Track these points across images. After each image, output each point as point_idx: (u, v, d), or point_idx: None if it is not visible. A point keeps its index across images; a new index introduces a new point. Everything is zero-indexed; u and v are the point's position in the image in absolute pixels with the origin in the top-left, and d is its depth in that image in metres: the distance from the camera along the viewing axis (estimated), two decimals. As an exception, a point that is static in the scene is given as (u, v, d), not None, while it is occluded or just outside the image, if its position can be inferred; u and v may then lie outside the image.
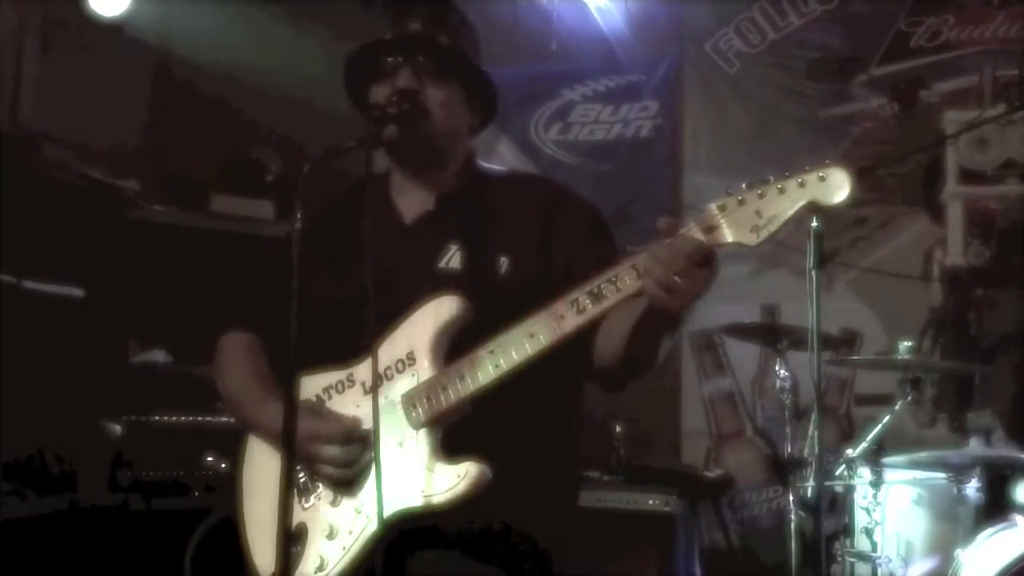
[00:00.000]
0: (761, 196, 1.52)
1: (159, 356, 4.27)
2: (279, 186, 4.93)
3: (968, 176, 5.30)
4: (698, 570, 4.28)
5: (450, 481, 1.70)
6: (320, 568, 1.80)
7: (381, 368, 1.78)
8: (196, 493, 3.72)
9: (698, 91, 5.72)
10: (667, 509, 3.96)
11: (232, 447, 3.64)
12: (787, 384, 4.10)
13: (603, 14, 5.55)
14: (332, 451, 1.79)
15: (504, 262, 1.87)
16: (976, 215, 5.31)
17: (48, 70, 4.60)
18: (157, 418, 3.84)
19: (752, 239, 1.53)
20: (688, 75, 5.73)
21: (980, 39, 5.32)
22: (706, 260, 1.57)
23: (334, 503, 1.82)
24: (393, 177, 2.05)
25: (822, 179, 1.51)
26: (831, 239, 4.26)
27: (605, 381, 1.90)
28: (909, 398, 3.82)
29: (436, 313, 1.79)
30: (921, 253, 5.29)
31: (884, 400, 4.20)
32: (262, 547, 1.88)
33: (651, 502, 3.99)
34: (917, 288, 5.22)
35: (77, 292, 3.92)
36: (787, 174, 1.53)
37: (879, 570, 3.57)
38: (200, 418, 3.81)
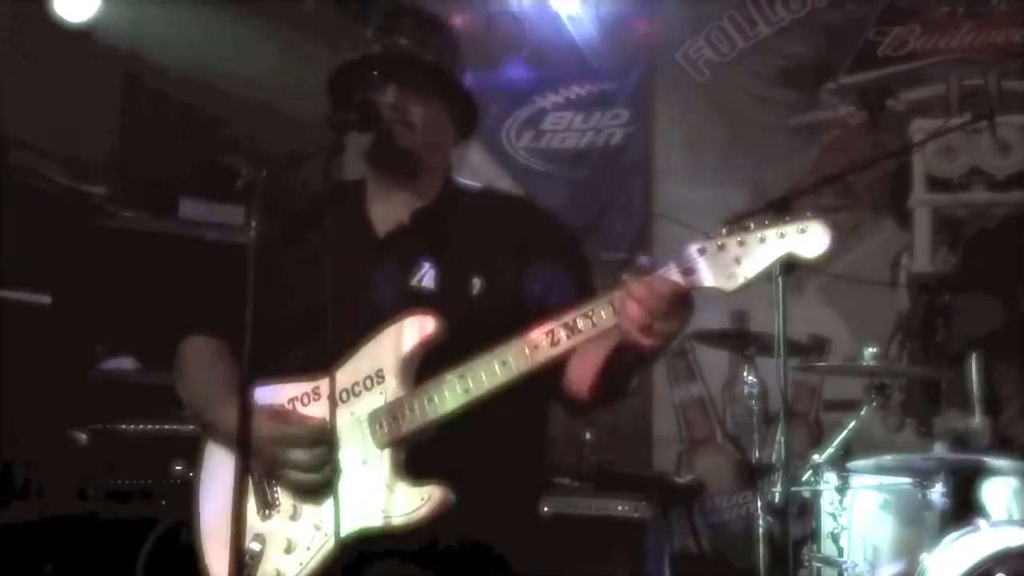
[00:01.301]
0: (741, 244, 1.55)
1: (127, 363, 4.24)
2: (250, 191, 4.91)
3: (935, 183, 5.37)
4: (668, 574, 4.30)
5: (412, 504, 1.71)
6: None
7: (349, 384, 1.79)
8: (164, 502, 3.69)
9: (669, 99, 5.75)
10: (637, 515, 3.97)
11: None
12: (755, 390, 4.13)
13: (574, 22, 5.58)
14: (298, 455, 1.78)
15: (477, 283, 1.87)
16: (943, 222, 5.38)
17: (15, 74, 4.57)
18: (125, 426, 3.81)
19: (729, 285, 1.56)
20: (659, 83, 5.76)
21: (947, 48, 5.39)
22: (682, 301, 1.60)
23: (293, 517, 1.82)
24: (370, 186, 2.03)
25: (802, 232, 1.53)
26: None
27: (571, 408, 1.91)
28: (875, 404, 3.86)
29: (407, 332, 1.78)
30: (888, 259, 5.35)
31: (852, 406, 4.24)
32: (215, 554, 1.87)
33: (621, 508, 4.01)
34: (885, 294, 5.28)
35: (44, 299, 3.88)
36: (768, 223, 1.56)
37: (845, 575, 3.59)
38: (169, 426, 3.78)
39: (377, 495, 1.72)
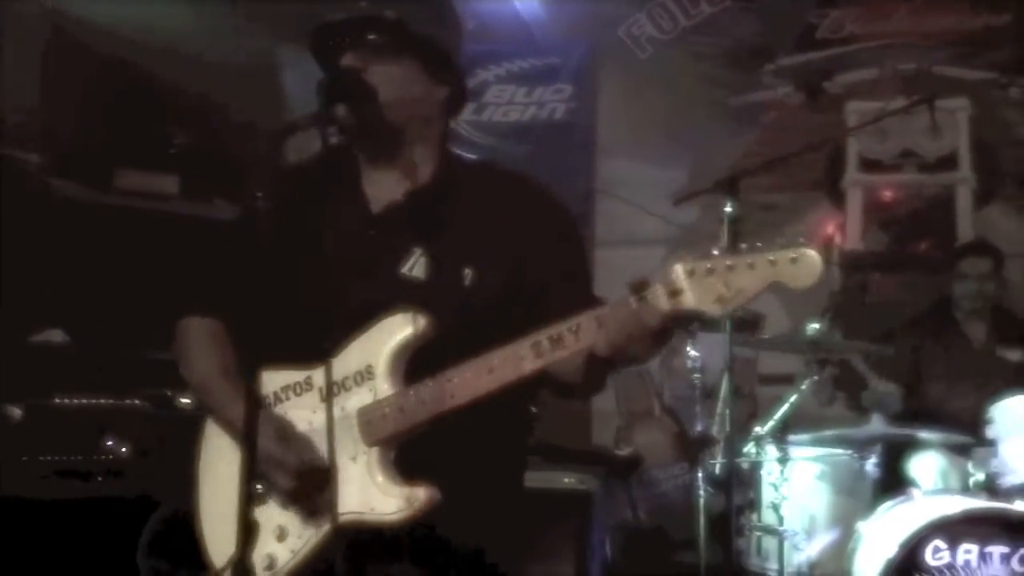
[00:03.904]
0: (730, 268, 1.51)
1: (56, 336, 4.12)
2: (184, 158, 4.79)
3: (868, 164, 5.52)
4: (607, 547, 4.36)
5: (399, 504, 1.71)
6: (269, 568, 1.80)
7: (339, 378, 1.77)
8: (100, 479, 3.60)
9: (612, 75, 5.79)
10: (584, 487, 4.01)
11: (134, 431, 3.57)
12: (697, 364, 4.21)
13: (519, -5, 5.57)
14: (288, 483, 1.78)
15: (469, 274, 1.83)
16: (875, 202, 5.54)
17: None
18: (57, 400, 3.70)
19: (716, 309, 1.52)
20: (602, 59, 5.79)
21: (883, 32, 5.53)
22: (661, 328, 1.59)
23: (285, 506, 1.82)
24: (361, 159, 1.96)
25: (794, 261, 1.50)
26: (742, 223, 4.38)
27: (561, 392, 1.91)
28: (816, 378, 3.96)
29: (397, 329, 1.75)
30: (822, 238, 5.49)
31: (787, 380, 4.36)
32: (216, 538, 1.86)
33: (567, 480, 4.05)
34: (817, 271, 5.40)
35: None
36: (760, 247, 1.52)
37: (784, 543, 3.70)
38: (101, 401, 3.69)
39: (364, 492, 1.72)
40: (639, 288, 1.56)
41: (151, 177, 4.73)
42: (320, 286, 1.78)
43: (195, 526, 1.91)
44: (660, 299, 1.54)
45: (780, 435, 3.86)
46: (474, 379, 1.68)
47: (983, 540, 3.18)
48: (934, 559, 3.19)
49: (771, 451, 3.84)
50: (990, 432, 3.55)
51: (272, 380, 1.84)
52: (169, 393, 3.64)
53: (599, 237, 5.61)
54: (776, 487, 3.74)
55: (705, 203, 4.21)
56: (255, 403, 1.58)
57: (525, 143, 5.77)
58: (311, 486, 1.77)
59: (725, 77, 5.65)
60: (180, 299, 2.02)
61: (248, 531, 1.53)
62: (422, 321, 1.74)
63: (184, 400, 3.65)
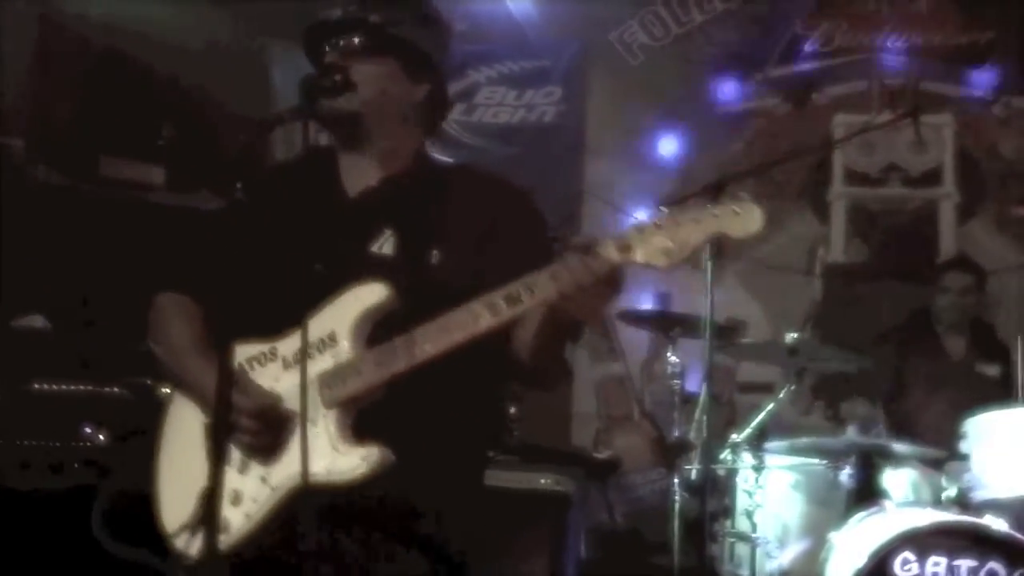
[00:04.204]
0: (677, 223, 1.60)
1: (37, 322, 4.11)
2: (172, 150, 4.79)
3: (853, 177, 5.56)
4: (583, 549, 4.38)
5: (353, 463, 1.76)
6: (223, 531, 1.80)
7: (303, 345, 1.81)
8: (76, 465, 3.59)
9: (602, 80, 5.81)
10: (561, 489, 4.03)
11: (113, 418, 3.56)
12: (677, 370, 4.23)
13: (513, -2, 5.58)
14: (243, 421, 1.82)
15: (436, 255, 1.90)
16: (859, 215, 5.59)
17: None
18: (37, 386, 3.69)
19: (663, 262, 1.60)
20: (593, 64, 5.82)
21: (871, 46, 5.57)
22: (614, 278, 1.65)
23: (242, 471, 1.85)
24: (339, 153, 2.04)
25: (735, 213, 1.59)
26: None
27: (522, 377, 1.99)
28: (793, 386, 3.99)
29: (361, 298, 1.82)
30: (805, 249, 5.53)
31: (766, 388, 4.39)
32: (171, 505, 1.91)
33: (544, 482, 4.06)
34: (800, 282, 5.46)
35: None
36: (704, 205, 1.62)
37: (757, 550, 3.73)
38: (81, 387, 3.67)
39: (322, 454, 1.77)
40: (589, 246, 1.64)
41: (137, 166, 4.73)
42: (292, 265, 1.83)
43: (152, 495, 1.96)
44: (610, 252, 1.62)
45: (756, 443, 3.89)
46: (431, 338, 1.74)
47: (952, 553, 3.21)
48: (903, 571, 3.21)
49: (747, 458, 3.87)
50: (964, 446, 3.58)
51: (239, 352, 1.87)
52: (149, 382, 3.64)
53: (585, 240, 5.63)
54: (750, 494, 3.77)
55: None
56: (228, 370, 1.63)
57: (514, 145, 5.79)
58: (269, 429, 1.82)
59: (714, 85, 5.68)
60: (155, 276, 2.09)
61: (219, 488, 1.56)
62: (384, 291, 1.80)
63: (165, 389, 3.64)
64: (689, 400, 4.29)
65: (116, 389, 3.68)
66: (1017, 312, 5.10)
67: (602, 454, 5.07)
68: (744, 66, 5.66)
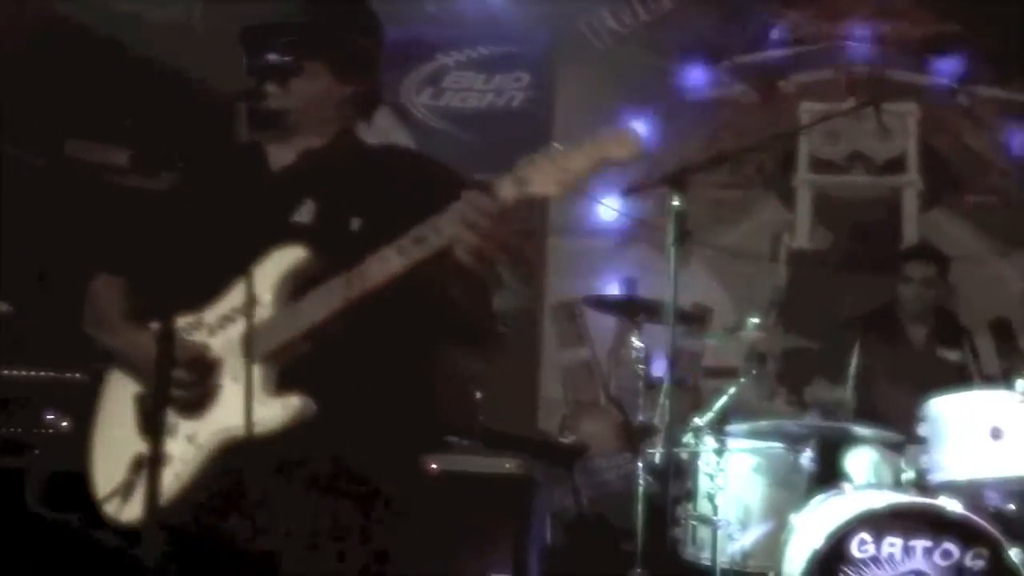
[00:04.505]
0: (565, 155, 1.74)
1: (1, 307, 4.07)
2: (138, 131, 4.73)
3: (818, 165, 5.61)
4: (548, 534, 4.40)
5: (274, 412, 1.85)
6: None
7: (226, 310, 1.95)
8: (37, 452, 3.56)
9: (571, 66, 5.81)
10: (525, 473, 4.05)
11: (76, 404, 3.53)
12: (642, 355, 4.25)
13: (482, -19, 5.57)
14: (181, 374, 1.91)
15: (356, 222, 1.99)
16: (823, 202, 5.63)
17: None
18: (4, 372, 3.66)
19: (556, 190, 1.73)
20: (562, 50, 5.81)
21: (837, 34, 5.61)
22: (515, 211, 1.77)
23: (169, 432, 1.92)
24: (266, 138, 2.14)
25: (616, 139, 1.74)
26: (694, 218, 4.44)
27: (458, 339, 2.10)
28: (754, 371, 4.03)
29: (280, 261, 1.92)
30: (771, 235, 5.57)
31: (731, 373, 4.41)
32: (104, 474, 2.01)
33: (509, 466, 4.08)
34: (766, 268, 5.50)
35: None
36: (588, 138, 1.75)
37: (718, 533, 3.76)
38: (43, 373, 3.64)
39: (245, 408, 1.86)
40: (491, 184, 1.77)
41: (102, 148, 4.68)
42: (220, 239, 1.95)
43: (87, 466, 2.05)
44: (508, 187, 1.75)
45: (718, 426, 3.93)
46: (344, 285, 1.84)
47: (907, 534, 3.26)
48: (859, 551, 3.26)
49: (709, 442, 3.90)
50: (922, 430, 3.63)
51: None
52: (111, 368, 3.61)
53: (553, 226, 5.65)
54: (712, 477, 3.80)
55: (659, 196, 4.25)
56: (169, 338, 1.71)
57: (482, 130, 5.78)
58: (201, 379, 1.92)
59: (682, 73, 5.69)
60: (91, 259, 2.19)
61: (159, 454, 1.65)
62: (302, 253, 1.91)
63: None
64: (654, 385, 4.32)
65: (78, 375, 3.67)
66: (978, 299, 5.17)
67: (568, 439, 5.10)
68: (712, 53, 5.68)
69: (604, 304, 4.65)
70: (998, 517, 3.52)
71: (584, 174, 1.73)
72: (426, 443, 2.20)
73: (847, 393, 4.33)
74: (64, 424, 3.57)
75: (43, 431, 3.55)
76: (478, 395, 4.47)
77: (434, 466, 3.92)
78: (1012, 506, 3.60)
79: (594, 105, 5.70)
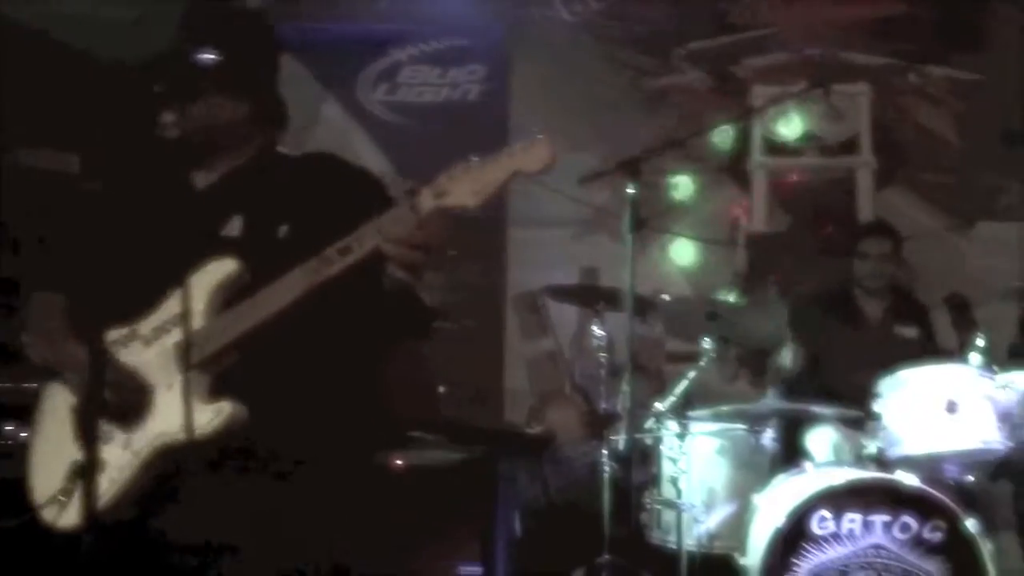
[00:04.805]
0: (480, 166, 1.83)
1: (-43, 317, 4.01)
2: (86, 137, 4.68)
3: (772, 148, 5.65)
4: (517, 524, 4.41)
5: (207, 417, 1.92)
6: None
7: (159, 323, 2.03)
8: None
9: (526, 58, 5.81)
10: (491, 465, 4.05)
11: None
12: (603, 343, 4.27)
13: (434, -26, 5.55)
14: (112, 383, 1.96)
15: (284, 229, 2.05)
16: (778, 185, 5.68)
17: None
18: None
19: (472, 201, 1.81)
20: (516, 41, 5.80)
21: (790, 18, 5.65)
22: (433, 220, 1.85)
23: (105, 439, 1.98)
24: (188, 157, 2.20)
25: (526, 149, 1.82)
26: (650, 205, 4.47)
27: (393, 333, 2.14)
28: (713, 355, 4.06)
29: (211, 274, 1.99)
30: (728, 220, 5.61)
31: (694, 358, 4.44)
32: (43, 482, 2.07)
33: (473, 458, 4.08)
34: (724, 253, 5.54)
35: None
36: (503, 149, 1.84)
37: (683, 516, 3.79)
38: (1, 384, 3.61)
39: (179, 413, 1.92)
40: (411, 194, 1.85)
41: (52, 154, 4.62)
42: (152, 255, 2.02)
43: (26, 475, 2.12)
44: (427, 199, 1.84)
45: (680, 411, 3.95)
46: (273, 295, 1.91)
47: (866, 509, 3.30)
48: (820, 528, 3.30)
49: (671, 426, 3.92)
50: (879, 406, 3.67)
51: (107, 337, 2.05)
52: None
53: (512, 217, 5.66)
54: (675, 461, 3.83)
55: (616, 185, 4.27)
56: (101, 351, 1.81)
57: (438, 124, 5.76)
58: (132, 386, 1.99)
59: (637, 61, 5.71)
60: (28, 276, 2.25)
61: (95, 461, 1.73)
62: (232, 265, 1.98)
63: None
64: (617, 372, 4.35)
65: (36, 385, 3.63)
66: (935, 276, 5.23)
67: (535, 429, 5.11)
68: (665, 41, 5.70)
69: (564, 293, 4.67)
70: (957, 489, 3.58)
71: (499, 184, 1.81)
72: (387, 440, 2.24)
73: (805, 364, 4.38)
74: (23, 435, 3.53)
75: (5, 443, 3.52)
76: (441, 389, 4.48)
77: (399, 462, 3.92)
78: (971, 478, 3.66)
79: (550, 96, 5.71)
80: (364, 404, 2.15)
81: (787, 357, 4.41)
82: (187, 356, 1.94)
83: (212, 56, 2.07)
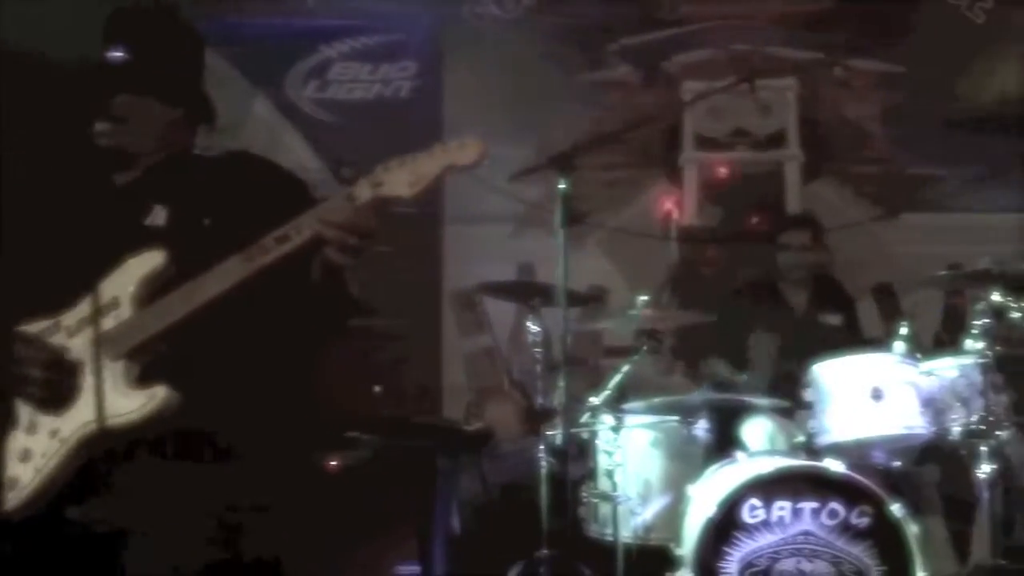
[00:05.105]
0: (415, 159, 1.90)
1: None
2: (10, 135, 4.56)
3: (703, 142, 5.72)
4: (456, 521, 4.42)
5: (140, 402, 1.95)
6: (12, 488, 1.99)
7: (85, 313, 2.03)
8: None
9: (457, 53, 5.80)
10: (428, 462, 4.05)
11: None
12: (539, 338, 4.28)
13: (362, -30, 5.51)
14: (40, 374, 2.00)
15: (207, 221, 2.08)
16: (710, 178, 5.75)
17: None
18: None
19: (407, 191, 1.89)
20: (447, 37, 5.79)
21: (718, 14, 5.72)
22: (369, 210, 1.91)
23: (30, 430, 2.02)
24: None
25: (460, 146, 1.90)
26: (586, 200, 4.51)
27: (324, 323, 2.17)
28: (646, 348, 4.09)
29: (138, 265, 2.02)
30: (661, 213, 5.66)
31: (631, 352, 4.47)
32: None
33: (412, 456, 4.08)
34: (658, 246, 5.59)
35: None
36: (438, 144, 1.92)
37: (619, 508, 3.82)
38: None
39: (109, 401, 1.95)
40: (350, 182, 1.91)
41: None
42: (74, 247, 2.03)
43: None
44: (365, 189, 1.89)
45: (615, 404, 3.98)
46: (206, 284, 1.94)
47: (795, 496, 3.36)
48: (750, 516, 3.35)
49: (606, 420, 3.95)
50: (807, 395, 3.74)
51: (28, 330, 2.07)
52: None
53: (448, 214, 5.65)
54: (610, 455, 3.86)
55: (551, 181, 4.28)
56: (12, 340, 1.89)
57: (371, 121, 5.73)
58: (60, 378, 2.00)
59: (569, 56, 5.74)
60: None
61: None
62: (159, 256, 2.01)
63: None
64: (554, 368, 4.36)
65: None
66: (862, 265, 5.35)
67: (474, 426, 5.11)
68: (596, 36, 5.73)
69: (499, 290, 4.67)
70: (884, 474, 3.67)
71: (433, 177, 1.88)
72: (323, 440, 2.24)
73: (739, 372, 4.45)
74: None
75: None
76: (377, 388, 4.46)
77: (333, 463, 3.90)
78: (897, 463, 3.75)
79: (482, 91, 5.71)
80: (296, 398, 2.17)
81: (719, 364, 4.49)
82: (111, 344, 1.96)
83: (122, 55, 2.09)
